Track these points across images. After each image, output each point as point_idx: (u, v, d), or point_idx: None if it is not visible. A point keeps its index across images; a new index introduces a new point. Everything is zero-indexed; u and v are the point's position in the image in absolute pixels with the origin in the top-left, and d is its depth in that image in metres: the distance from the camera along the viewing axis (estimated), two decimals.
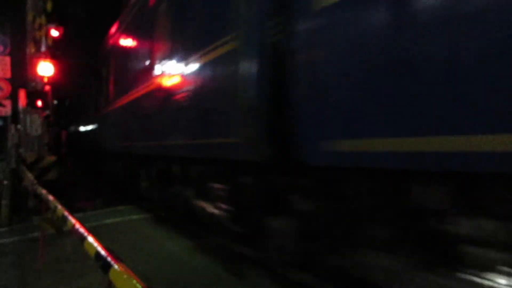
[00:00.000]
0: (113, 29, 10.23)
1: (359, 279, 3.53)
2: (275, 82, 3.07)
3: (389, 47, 2.33)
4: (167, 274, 4.16)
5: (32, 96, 9.94)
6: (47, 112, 10.33)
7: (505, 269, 2.40)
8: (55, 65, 10.20)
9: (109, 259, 1.78)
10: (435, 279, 2.85)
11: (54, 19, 10.48)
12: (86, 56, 15.13)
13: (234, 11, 3.58)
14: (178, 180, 6.04)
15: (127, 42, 8.42)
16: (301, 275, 3.92)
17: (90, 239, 2.22)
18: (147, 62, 6.60)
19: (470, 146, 2.00)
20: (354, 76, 2.52)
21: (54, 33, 10.61)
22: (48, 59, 9.98)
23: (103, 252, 1.89)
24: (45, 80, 10.22)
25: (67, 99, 21.14)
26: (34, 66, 10.11)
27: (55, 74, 10.45)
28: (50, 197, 4.19)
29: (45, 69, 9.94)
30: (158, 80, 5.88)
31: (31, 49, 10.20)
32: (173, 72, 5.31)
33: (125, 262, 1.71)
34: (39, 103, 9.88)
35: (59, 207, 3.58)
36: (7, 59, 9.89)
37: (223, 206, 4.41)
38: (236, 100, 3.43)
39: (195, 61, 4.56)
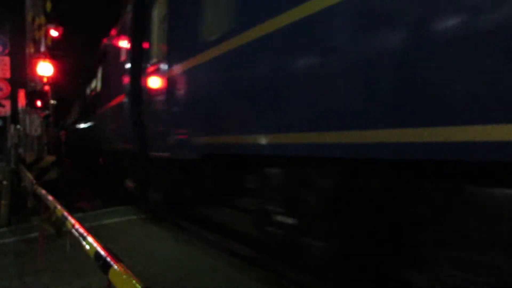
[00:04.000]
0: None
1: (359, 278, 3.53)
2: None
3: None
4: (166, 274, 4.17)
5: (31, 96, 9.95)
6: (47, 112, 10.33)
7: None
8: (54, 65, 10.20)
9: (108, 259, 1.78)
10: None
11: (53, 19, 10.49)
12: (85, 56, 15.13)
13: None
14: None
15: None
16: (302, 275, 3.93)
17: (90, 239, 2.22)
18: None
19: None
20: None
21: (54, 33, 10.62)
22: (48, 59, 9.98)
23: (102, 252, 1.90)
24: (45, 80, 10.23)
25: (67, 99, 21.15)
26: (33, 66, 10.11)
27: (55, 74, 10.45)
28: (50, 197, 4.19)
29: (45, 69, 9.95)
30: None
31: (30, 49, 10.21)
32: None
33: (124, 262, 1.71)
34: (39, 103, 9.89)
35: (59, 207, 3.59)
36: (7, 59, 9.91)
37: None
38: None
39: None
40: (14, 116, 10.73)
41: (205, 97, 4.62)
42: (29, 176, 7.04)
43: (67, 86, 17.44)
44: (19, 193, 7.80)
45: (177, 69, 5.32)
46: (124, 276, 1.57)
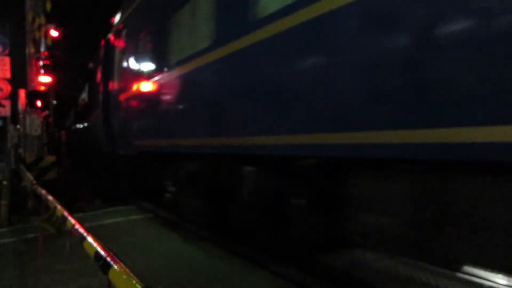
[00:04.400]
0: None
1: (359, 279, 3.55)
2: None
3: None
4: (166, 274, 4.17)
5: (31, 96, 9.95)
6: (47, 112, 10.33)
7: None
8: (54, 66, 10.21)
9: (108, 259, 1.78)
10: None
11: (53, 19, 10.50)
12: (85, 56, 15.14)
13: None
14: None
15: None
16: (301, 275, 3.93)
17: (90, 239, 2.22)
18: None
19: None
20: None
21: (54, 33, 10.62)
22: (46, 74, 10.02)
23: (102, 252, 1.90)
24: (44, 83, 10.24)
25: (67, 99, 21.13)
26: (33, 66, 10.12)
27: (54, 75, 10.46)
28: (50, 197, 4.19)
29: (45, 80, 9.98)
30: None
31: (30, 49, 10.21)
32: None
33: (124, 262, 1.71)
34: (39, 103, 9.88)
35: (59, 207, 3.59)
36: (7, 60, 9.91)
37: None
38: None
39: None
40: (14, 116, 10.73)
41: (134, 115, 7.62)
42: (29, 176, 7.04)
43: (67, 86, 17.45)
44: (19, 193, 7.80)
45: (123, 96, 8.26)
46: (124, 276, 1.56)
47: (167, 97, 6.01)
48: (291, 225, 3.91)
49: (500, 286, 3.67)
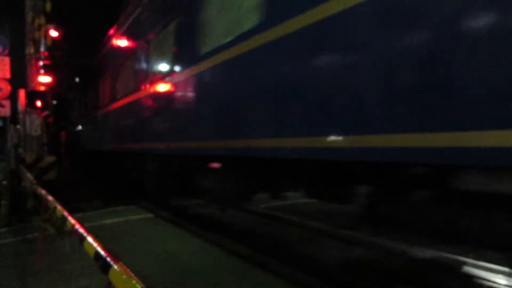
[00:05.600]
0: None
1: (358, 279, 3.55)
2: None
3: None
4: (166, 274, 4.17)
5: (31, 97, 9.94)
6: (47, 112, 10.32)
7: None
8: (54, 66, 10.20)
9: (108, 259, 1.78)
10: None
11: (53, 19, 10.49)
12: (84, 56, 15.14)
13: None
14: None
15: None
16: (302, 275, 3.94)
17: (90, 239, 2.22)
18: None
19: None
20: None
21: (53, 33, 10.61)
22: (46, 74, 10.04)
23: (102, 252, 1.90)
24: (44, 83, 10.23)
25: (67, 99, 21.15)
26: (33, 66, 10.11)
27: (54, 75, 10.45)
28: (50, 197, 4.19)
29: (44, 80, 9.97)
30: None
31: (30, 49, 10.20)
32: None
33: (124, 262, 1.71)
34: (39, 103, 9.88)
35: (59, 207, 3.58)
36: (7, 60, 9.89)
37: None
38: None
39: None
40: (14, 116, 10.72)
41: (88, 132, 13.38)
42: (29, 176, 7.04)
43: (67, 85, 17.46)
44: (19, 193, 7.79)
45: (81, 117, 15.06)
46: (124, 276, 1.56)
47: (100, 121, 10.54)
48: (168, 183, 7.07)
49: (500, 286, 3.67)
